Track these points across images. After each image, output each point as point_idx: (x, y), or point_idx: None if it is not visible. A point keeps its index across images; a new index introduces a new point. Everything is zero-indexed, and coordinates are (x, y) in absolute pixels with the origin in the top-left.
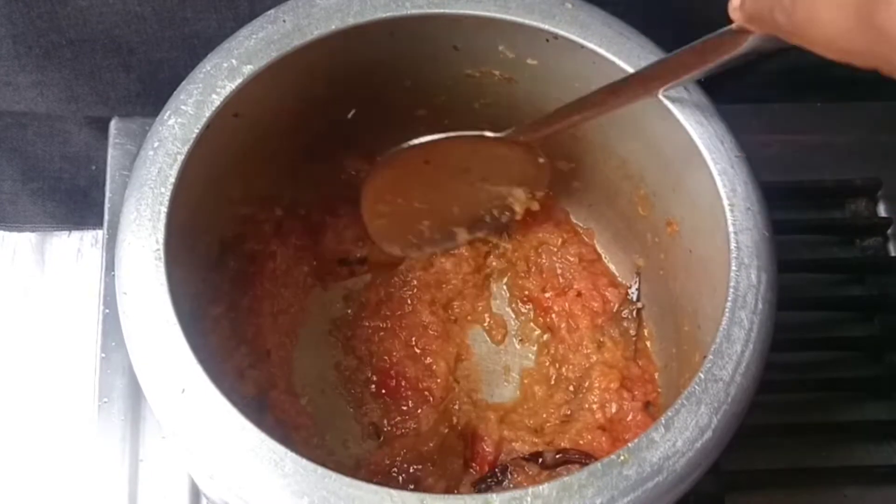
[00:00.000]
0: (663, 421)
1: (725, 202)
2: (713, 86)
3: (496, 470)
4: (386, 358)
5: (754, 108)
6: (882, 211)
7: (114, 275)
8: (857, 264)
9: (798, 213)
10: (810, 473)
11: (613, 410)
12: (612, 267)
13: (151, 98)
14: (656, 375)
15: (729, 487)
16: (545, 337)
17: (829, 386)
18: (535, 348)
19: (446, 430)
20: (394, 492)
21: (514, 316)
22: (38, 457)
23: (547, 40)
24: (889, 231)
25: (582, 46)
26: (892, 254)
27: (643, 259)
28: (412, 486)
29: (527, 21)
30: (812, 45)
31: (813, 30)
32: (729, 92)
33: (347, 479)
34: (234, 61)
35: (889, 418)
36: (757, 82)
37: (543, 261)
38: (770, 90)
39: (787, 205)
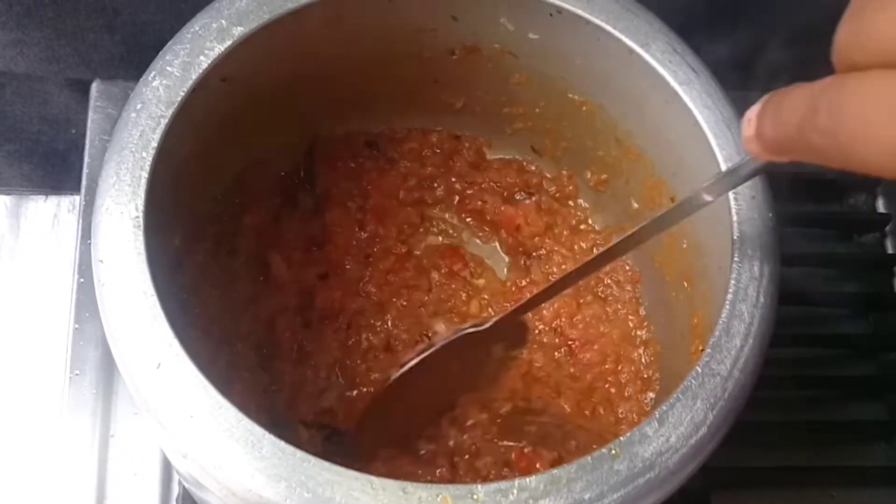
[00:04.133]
0: (657, 415)
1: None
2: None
3: None
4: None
5: (755, 97)
6: (881, 206)
7: (90, 243)
8: (853, 260)
9: (796, 206)
10: (798, 472)
11: None
12: None
13: (135, 61)
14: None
15: (715, 485)
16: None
17: (819, 384)
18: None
19: None
20: (374, 478)
21: None
22: (5, 430)
23: (551, 14)
24: (887, 227)
25: (587, 22)
26: (890, 251)
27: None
28: None
29: None
30: (862, 167)
31: (866, 148)
32: (732, 81)
33: (326, 464)
34: (223, 22)
35: (879, 418)
36: (761, 74)
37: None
38: (774, 80)
39: (784, 197)
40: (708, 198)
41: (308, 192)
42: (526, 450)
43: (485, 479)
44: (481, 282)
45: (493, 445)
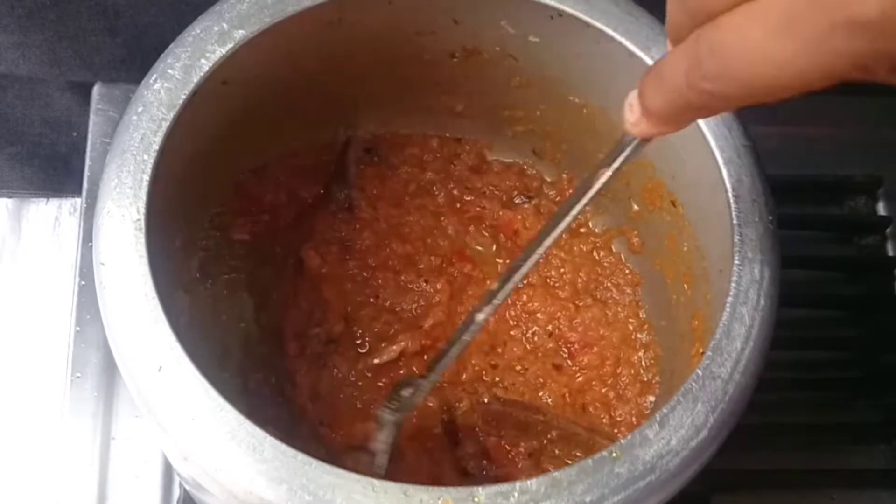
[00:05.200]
0: (658, 418)
1: (730, 193)
2: None
3: None
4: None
5: None
6: (881, 209)
7: (91, 245)
8: (853, 263)
9: (796, 208)
10: (798, 475)
11: None
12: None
13: (136, 64)
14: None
15: (715, 487)
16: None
17: (820, 386)
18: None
19: None
20: (375, 481)
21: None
22: (6, 432)
23: (551, 17)
24: (888, 230)
25: (587, 25)
26: (890, 253)
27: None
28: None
29: None
30: (769, 91)
31: (764, 71)
32: None
33: (328, 467)
34: (225, 25)
35: (880, 421)
36: None
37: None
38: None
39: (784, 199)
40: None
41: (341, 191)
42: (503, 442)
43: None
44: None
45: (473, 434)
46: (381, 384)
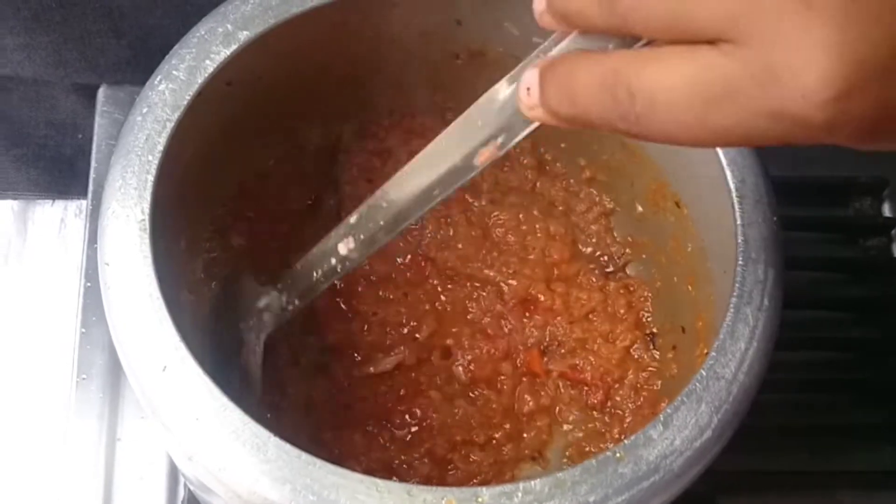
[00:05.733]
0: (661, 418)
1: (734, 194)
2: None
3: None
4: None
5: None
6: (887, 211)
7: (96, 247)
8: (858, 264)
9: (800, 210)
10: (804, 476)
11: None
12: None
13: (141, 66)
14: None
15: (720, 488)
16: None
17: (825, 387)
18: None
19: None
20: (379, 481)
21: None
22: (11, 434)
23: None
24: (893, 232)
25: None
26: None
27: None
28: None
29: None
30: (661, 140)
31: (673, 129)
32: None
33: (332, 467)
34: (229, 26)
35: (886, 422)
36: None
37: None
38: None
39: (789, 200)
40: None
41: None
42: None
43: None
44: None
45: None
46: (378, 394)
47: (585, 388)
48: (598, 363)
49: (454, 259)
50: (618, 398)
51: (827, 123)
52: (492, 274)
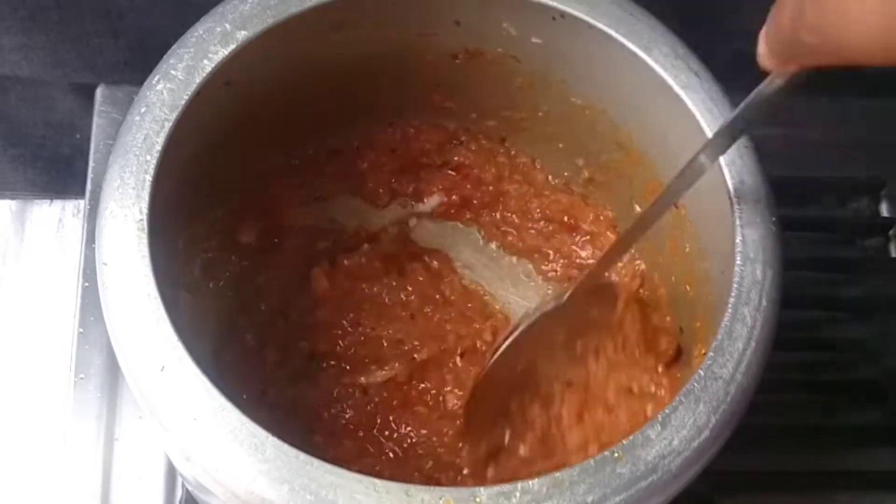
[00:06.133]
0: (660, 418)
1: (732, 194)
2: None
3: None
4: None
5: None
6: (884, 210)
7: (94, 247)
8: (856, 264)
9: (798, 210)
10: (802, 477)
11: None
12: None
13: (140, 66)
14: None
15: (719, 489)
16: None
17: (823, 388)
18: None
19: None
20: (377, 481)
21: None
22: (9, 434)
23: (553, 18)
24: (891, 232)
25: (590, 26)
26: (894, 255)
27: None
28: None
29: None
30: (854, 56)
31: (850, 36)
32: (732, 82)
33: (329, 467)
34: (227, 26)
35: (883, 423)
36: (763, 74)
37: None
38: None
39: (787, 201)
40: (705, 161)
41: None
42: None
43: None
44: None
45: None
46: (369, 407)
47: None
48: None
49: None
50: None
51: None
52: None
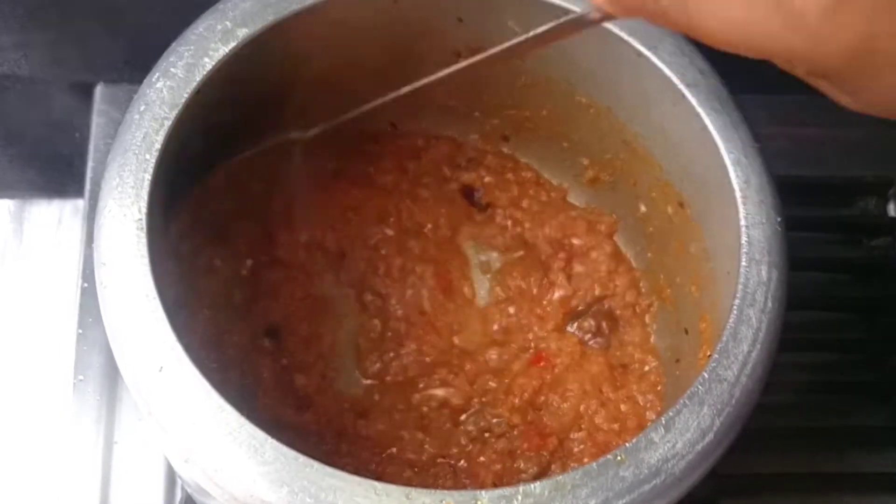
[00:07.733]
0: (663, 421)
1: (738, 194)
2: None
3: None
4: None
5: (762, 98)
6: (892, 210)
7: (94, 247)
8: (863, 265)
9: (804, 210)
10: (807, 479)
11: None
12: None
13: (139, 65)
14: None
15: (723, 491)
16: None
17: (828, 389)
18: None
19: None
20: (377, 483)
21: None
22: (8, 435)
23: (557, 16)
24: None
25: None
26: None
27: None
28: None
29: None
30: (704, 36)
31: (711, 20)
32: (737, 81)
33: (329, 469)
34: (228, 23)
35: (889, 424)
36: (769, 72)
37: None
38: (780, 80)
39: (793, 200)
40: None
41: None
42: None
43: None
44: None
45: None
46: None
47: None
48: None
49: None
50: None
51: (817, 25)
52: None
